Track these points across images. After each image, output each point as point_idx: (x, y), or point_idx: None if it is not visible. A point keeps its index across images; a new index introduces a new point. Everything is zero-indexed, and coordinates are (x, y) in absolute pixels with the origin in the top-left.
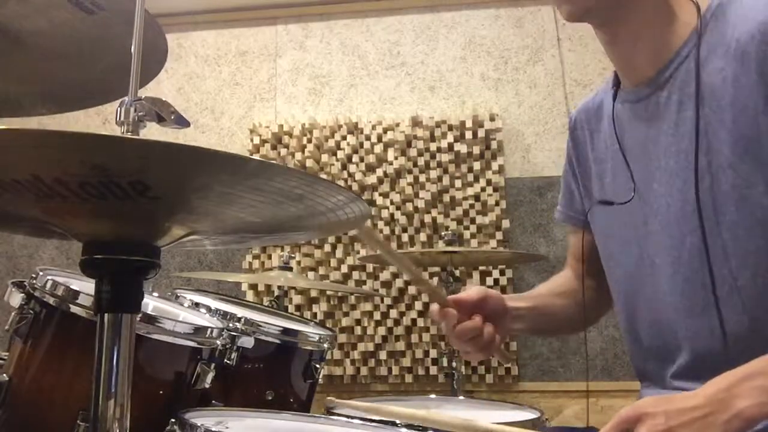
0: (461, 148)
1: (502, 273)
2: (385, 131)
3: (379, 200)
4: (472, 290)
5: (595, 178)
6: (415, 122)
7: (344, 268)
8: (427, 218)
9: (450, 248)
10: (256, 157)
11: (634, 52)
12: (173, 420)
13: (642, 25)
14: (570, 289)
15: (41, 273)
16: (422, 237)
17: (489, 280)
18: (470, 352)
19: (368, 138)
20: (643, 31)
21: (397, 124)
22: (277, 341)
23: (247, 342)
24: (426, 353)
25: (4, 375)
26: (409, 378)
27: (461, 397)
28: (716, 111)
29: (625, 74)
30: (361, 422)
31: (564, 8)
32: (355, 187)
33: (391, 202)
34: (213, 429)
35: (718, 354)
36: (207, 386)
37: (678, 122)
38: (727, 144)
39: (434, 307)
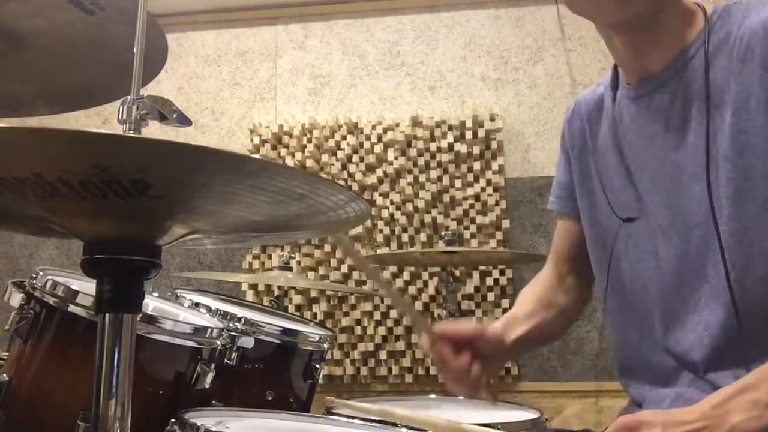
0: (461, 148)
1: (502, 273)
2: (385, 131)
3: (379, 200)
4: (465, 325)
5: (595, 173)
6: (415, 122)
7: (344, 268)
8: (427, 218)
9: (450, 248)
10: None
11: (646, 54)
12: (173, 420)
13: (662, 32)
14: (553, 298)
15: (41, 273)
16: (422, 237)
17: (489, 280)
18: (460, 389)
19: (368, 138)
20: (661, 36)
21: (397, 124)
22: (277, 341)
23: (247, 342)
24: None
25: (4, 375)
26: (409, 378)
27: (461, 397)
28: (719, 107)
29: (629, 72)
30: (361, 422)
31: (605, 13)
32: (355, 187)
33: (391, 202)
34: (213, 429)
35: (722, 349)
36: (207, 386)
37: (684, 118)
38: (727, 139)
39: (425, 340)
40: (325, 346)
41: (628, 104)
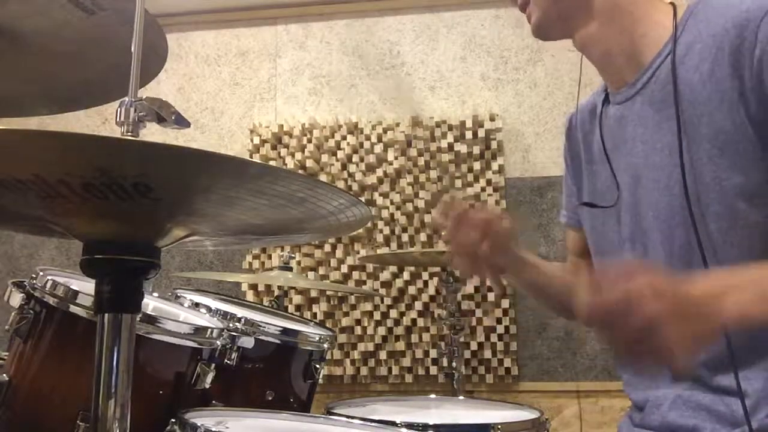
0: (461, 148)
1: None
2: (385, 131)
3: (379, 200)
4: (482, 211)
5: (586, 180)
6: (415, 122)
7: (344, 268)
8: (427, 218)
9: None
10: (256, 157)
11: (609, 59)
12: (173, 420)
13: (609, 36)
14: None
15: (41, 273)
16: (422, 237)
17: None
18: (461, 264)
19: (368, 138)
20: (611, 40)
21: (397, 124)
22: (277, 341)
23: (247, 342)
24: (426, 353)
25: (4, 375)
26: (409, 378)
27: (461, 397)
28: (696, 106)
29: (608, 79)
30: (361, 422)
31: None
32: (355, 187)
33: (391, 202)
34: (213, 429)
35: (721, 350)
36: (207, 386)
37: (661, 120)
38: (707, 138)
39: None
40: (325, 346)
41: (615, 110)
